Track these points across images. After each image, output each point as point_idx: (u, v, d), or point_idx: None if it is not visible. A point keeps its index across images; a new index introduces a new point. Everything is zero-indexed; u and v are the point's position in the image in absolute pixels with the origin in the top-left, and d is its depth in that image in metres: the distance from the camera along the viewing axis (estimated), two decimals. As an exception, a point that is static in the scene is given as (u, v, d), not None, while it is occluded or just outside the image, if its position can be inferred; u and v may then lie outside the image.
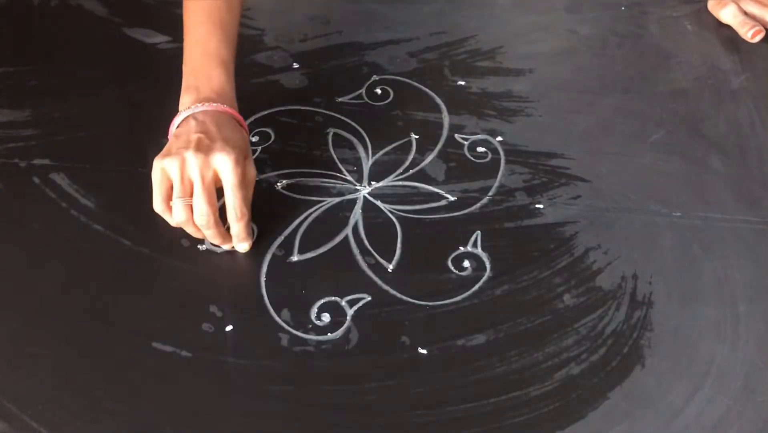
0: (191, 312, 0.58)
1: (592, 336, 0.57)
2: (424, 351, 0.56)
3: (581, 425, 0.52)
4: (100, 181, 0.67)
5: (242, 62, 0.78)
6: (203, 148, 0.58)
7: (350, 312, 0.58)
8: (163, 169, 0.58)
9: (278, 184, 0.67)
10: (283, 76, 0.77)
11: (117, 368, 0.55)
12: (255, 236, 0.63)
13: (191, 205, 0.58)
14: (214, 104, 0.62)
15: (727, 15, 0.82)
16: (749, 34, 0.80)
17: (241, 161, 0.59)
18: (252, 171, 0.61)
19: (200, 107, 0.62)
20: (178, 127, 0.62)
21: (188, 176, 0.58)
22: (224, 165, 0.58)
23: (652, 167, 0.68)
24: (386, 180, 0.68)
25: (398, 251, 0.62)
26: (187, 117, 0.61)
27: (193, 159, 0.58)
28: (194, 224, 0.59)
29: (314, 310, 0.59)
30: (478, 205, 0.66)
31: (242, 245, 0.62)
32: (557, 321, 0.58)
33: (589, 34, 0.82)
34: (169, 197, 0.59)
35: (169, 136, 0.63)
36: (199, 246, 0.62)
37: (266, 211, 0.65)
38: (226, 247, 0.62)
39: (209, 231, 0.59)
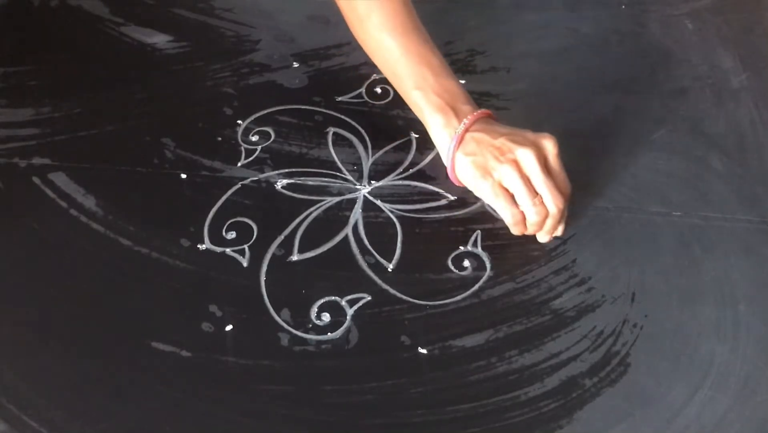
0: (191, 312, 0.58)
1: (592, 336, 0.57)
2: (424, 351, 0.56)
3: (581, 425, 0.52)
4: (100, 181, 0.67)
5: (242, 62, 0.78)
6: (520, 142, 0.58)
7: (350, 312, 0.58)
8: (497, 184, 0.59)
9: (278, 183, 0.67)
10: (283, 76, 0.77)
11: (117, 368, 0.55)
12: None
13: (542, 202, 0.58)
14: (475, 111, 0.62)
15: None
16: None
17: None
18: None
19: (468, 119, 0.61)
20: (459, 147, 0.61)
21: (528, 174, 0.58)
22: (552, 149, 0.59)
23: (653, 166, 0.68)
24: (386, 179, 0.68)
25: (398, 251, 0.62)
26: (462, 134, 0.61)
27: (527, 155, 0.57)
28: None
29: (314, 309, 0.59)
30: (479, 204, 0.65)
31: (546, 237, 0.62)
32: (557, 321, 0.58)
33: (590, 32, 0.82)
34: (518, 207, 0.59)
35: (446, 163, 0.63)
36: (199, 246, 0.62)
37: (266, 211, 0.65)
38: (545, 238, 0.62)
39: (560, 217, 0.59)
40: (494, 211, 0.63)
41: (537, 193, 0.58)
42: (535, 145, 0.58)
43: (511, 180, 0.58)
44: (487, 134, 0.60)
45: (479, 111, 0.62)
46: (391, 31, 0.64)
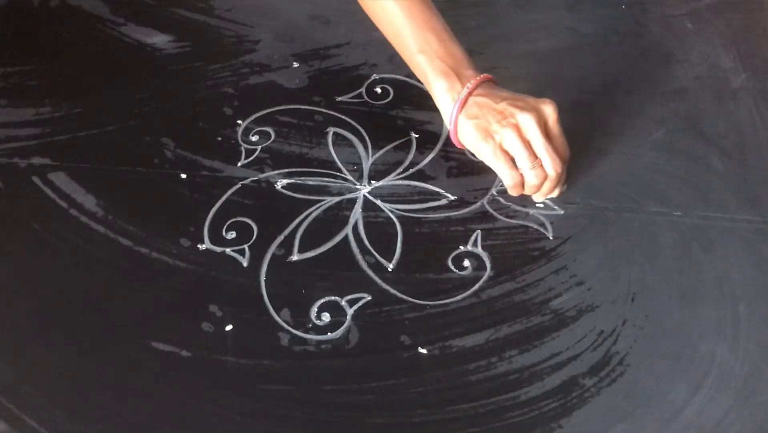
0: (191, 312, 0.58)
1: (592, 336, 0.57)
2: (424, 351, 0.56)
3: (581, 425, 0.52)
4: (100, 181, 0.67)
5: (242, 62, 0.78)
6: (521, 107, 0.60)
7: (350, 312, 0.58)
8: (498, 147, 0.60)
9: (278, 183, 0.67)
10: (283, 76, 0.77)
11: (117, 367, 0.55)
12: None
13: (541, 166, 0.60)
14: (478, 76, 0.62)
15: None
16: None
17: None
18: None
19: (471, 84, 0.62)
20: (461, 110, 0.62)
21: (528, 138, 0.60)
22: (553, 114, 0.60)
23: (653, 166, 0.68)
24: (386, 179, 0.68)
25: (398, 251, 0.62)
26: (465, 98, 0.62)
27: (527, 119, 0.59)
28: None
29: (314, 309, 0.59)
30: (479, 204, 0.66)
31: (564, 186, 0.65)
32: (557, 321, 0.58)
33: (590, 32, 0.82)
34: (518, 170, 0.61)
35: (449, 126, 0.63)
36: (199, 246, 0.62)
37: (266, 211, 0.65)
38: (540, 198, 0.65)
39: (558, 180, 0.62)
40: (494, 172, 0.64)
41: (537, 157, 0.60)
42: (535, 110, 0.60)
43: (511, 143, 0.60)
44: (489, 98, 0.61)
45: (482, 75, 0.63)
46: None
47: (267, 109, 0.73)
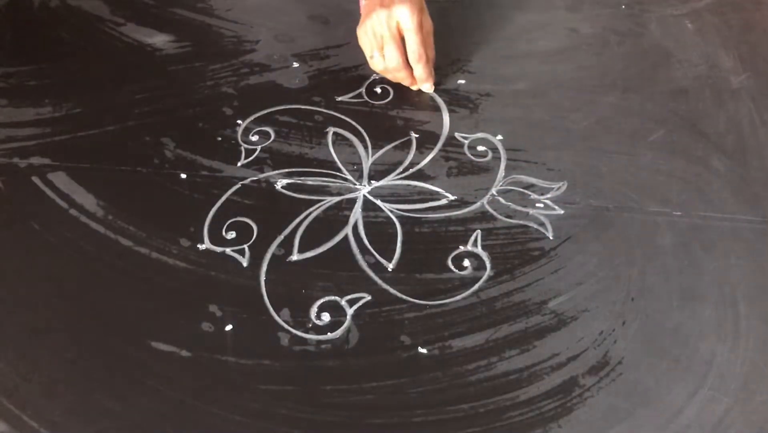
0: (191, 312, 0.58)
1: (592, 336, 0.57)
2: (424, 351, 0.56)
3: (581, 425, 0.52)
4: (100, 181, 0.67)
5: (242, 62, 0.78)
6: (386, 4, 0.70)
7: (350, 311, 0.58)
8: (363, 33, 0.72)
9: (278, 183, 0.67)
10: (283, 76, 0.77)
11: (117, 367, 0.55)
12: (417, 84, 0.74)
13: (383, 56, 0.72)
14: None
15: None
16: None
17: (416, 11, 0.70)
18: (428, 21, 0.73)
19: None
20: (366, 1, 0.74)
21: (378, 32, 0.71)
22: (403, 14, 0.69)
23: (652, 166, 0.68)
24: (386, 179, 0.68)
25: (398, 250, 0.62)
26: None
27: (377, 16, 0.70)
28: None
29: (314, 309, 0.59)
30: (479, 204, 0.66)
31: (426, 85, 0.74)
32: (557, 320, 0.58)
33: (590, 32, 0.82)
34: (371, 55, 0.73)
35: (361, 5, 0.75)
36: (199, 246, 0.62)
37: (266, 211, 0.65)
38: (414, 87, 0.75)
39: (400, 74, 0.73)
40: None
41: (382, 47, 0.72)
42: (387, 9, 0.70)
43: (365, 31, 0.72)
44: None
45: None
46: None
47: (267, 109, 0.73)
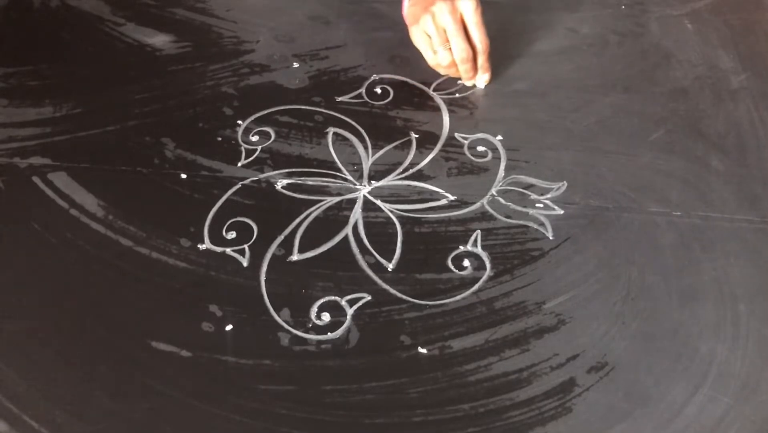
0: (191, 312, 0.58)
1: (592, 336, 0.57)
2: (424, 351, 0.56)
3: (581, 425, 0.52)
4: (100, 181, 0.67)
5: (242, 62, 0.78)
6: None
7: (350, 311, 0.58)
8: (422, 30, 0.72)
9: (278, 183, 0.67)
10: (283, 76, 0.77)
11: (117, 367, 0.55)
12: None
13: (450, 49, 0.71)
14: None
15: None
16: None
17: (477, 1, 0.70)
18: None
19: None
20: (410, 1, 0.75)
21: (441, 25, 0.70)
22: (467, 5, 0.70)
23: (652, 166, 0.68)
24: (386, 179, 0.68)
25: (398, 251, 0.62)
26: None
27: (439, 9, 0.70)
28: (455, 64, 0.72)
29: (314, 309, 0.59)
30: (478, 204, 0.66)
31: (485, 77, 0.75)
32: (557, 320, 0.58)
33: (589, 32, 0.82)
34: (434, 51, 0.72)
35: (404, 13, 0.76)
36: (199, 246, 0.62)
37: (266, 211, 0.65)
38: (469, 83, 0.75)
39: (466, 65, 0.72)
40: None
41: (448, 41, 0.71)
42: (451, 2, 0.70)
43: (428, 27, 0.71)
44: None
45: None
46: None
47: (267, 110, 0.73)
